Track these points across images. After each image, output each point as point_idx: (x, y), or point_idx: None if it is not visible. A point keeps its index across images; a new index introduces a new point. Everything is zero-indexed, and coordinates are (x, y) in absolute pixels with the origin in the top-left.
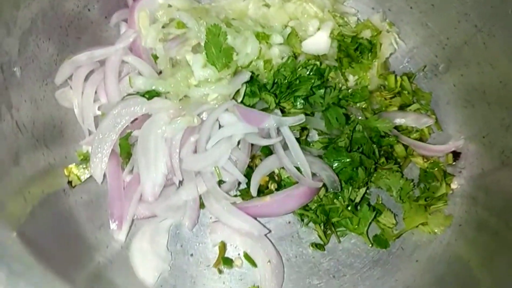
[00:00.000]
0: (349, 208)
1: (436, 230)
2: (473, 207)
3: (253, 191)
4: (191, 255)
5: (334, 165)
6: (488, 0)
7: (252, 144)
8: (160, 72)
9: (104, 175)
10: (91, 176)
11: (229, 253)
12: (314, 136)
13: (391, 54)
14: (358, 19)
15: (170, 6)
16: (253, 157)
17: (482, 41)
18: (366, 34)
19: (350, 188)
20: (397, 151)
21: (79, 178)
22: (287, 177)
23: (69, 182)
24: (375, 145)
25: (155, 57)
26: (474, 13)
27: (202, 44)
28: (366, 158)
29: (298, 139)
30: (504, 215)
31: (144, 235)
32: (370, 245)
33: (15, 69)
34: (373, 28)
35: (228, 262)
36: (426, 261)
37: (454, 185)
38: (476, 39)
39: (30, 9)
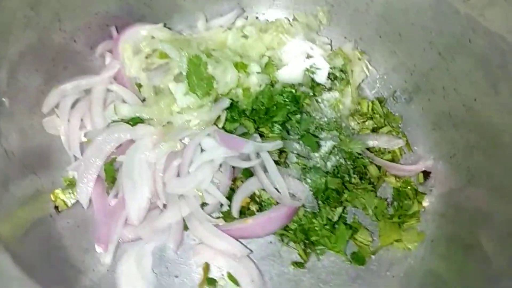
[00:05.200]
0: (327, 227)
1: (410, 246)
2: (443, 223)
3: (235, 212)
4: (176, 276)
5: (311, 186)
6: (449, 30)
7: (234, 167)
8: (144, 100)
9: (90, 200)
10: (77, 201)
11: (213, 274)
12: (292, 158)
13: (363, 80)
14: (331, 47)
15: (153, 37)
16: (235, 180)
17: (446, 68)
18: (338, 62)
19: (328, 208)
20: (370, 172)
21: (65, 203)
22: (268, 198)
23: (56, 207)
24: (349, 166)
25: (139, 86)
26: (437, 42)
27: (184, 73)
28: (340, 179)
29: (277, 162)
30: (471, 229)
31: (129, 258)
32: (348, 262)
33: (4, 100)
34: (344, 56)
35: (212, 282)
36: (402, 277)
37: (425, 203)
38: (440, 66)
39: (19, 43)
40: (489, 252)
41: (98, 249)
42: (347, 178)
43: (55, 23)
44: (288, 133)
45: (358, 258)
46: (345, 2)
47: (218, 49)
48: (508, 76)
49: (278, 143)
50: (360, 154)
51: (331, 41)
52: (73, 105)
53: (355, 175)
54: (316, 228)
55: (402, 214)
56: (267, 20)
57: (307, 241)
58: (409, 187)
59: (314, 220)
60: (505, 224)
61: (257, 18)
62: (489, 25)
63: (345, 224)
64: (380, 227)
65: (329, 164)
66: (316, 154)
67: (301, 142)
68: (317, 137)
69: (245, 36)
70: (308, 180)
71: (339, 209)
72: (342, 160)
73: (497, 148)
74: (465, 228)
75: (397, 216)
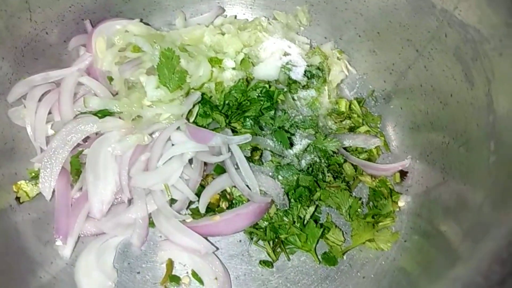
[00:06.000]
0: (297, 225)
1: (382, 247)
2: (417, 223)
3: (202, 208)
4: (138, 272)
5: (283, 183)
6: (426, 25)
7: (205, 164)
8: (116, 94)
9: (53, 192)
10: (40, 194)
11: (177, 271)
12: (267, 156)
13: (342, 80)
14: (310, 46)
15: (127, 31)
16: (206, 176)
17: (423, 65)
18: (315, 60)
19: (299, 206)
20: (346, 171)
21: (27, 195)
22: (239, 196)
23: (17, 198)
24: (324, 164)
25: (111, 79)
26: (414, 39)
27: (156, 66)
28: (312, 177)
29: (250, 159)
30: (443, 227)
31: (90, 252)
32: (319, 262)
33: None
34: (322, 54)
35: (175, 279)
36: (373, 277)
37: (401, 203)
38: (418, 63)
39: None
40: (455, 243)
41: (57, 241)
42: (321, 176)
43: (24, 13)
44: (262, 129)
45: (329, 259)
46: (325, 1)
47: (193, 45)
48: (481, 68)
49: (247, 137)
50: (335, 152)
51: (310, 41)
52: (41, 97)
53: (329, 174)
54: (286, 226)
55: (377, 214)
56: (247, 20)
57: (276, 240)
58: (384, 187)
59: (285, 218)
60: (471, 216)
61: (235, 17)
62: (464, 18)
63: (316, 222)
64: (353, 227)
65: (303, 162)
66: (291, 152)
67: (274, 139)
68: (289, 133)
69: (222, 33)
70: (280, 178)
71: (312, 208)
72: (316, 158)
73: (470, 144)
74: (436, 225)
75: (371, 216)
